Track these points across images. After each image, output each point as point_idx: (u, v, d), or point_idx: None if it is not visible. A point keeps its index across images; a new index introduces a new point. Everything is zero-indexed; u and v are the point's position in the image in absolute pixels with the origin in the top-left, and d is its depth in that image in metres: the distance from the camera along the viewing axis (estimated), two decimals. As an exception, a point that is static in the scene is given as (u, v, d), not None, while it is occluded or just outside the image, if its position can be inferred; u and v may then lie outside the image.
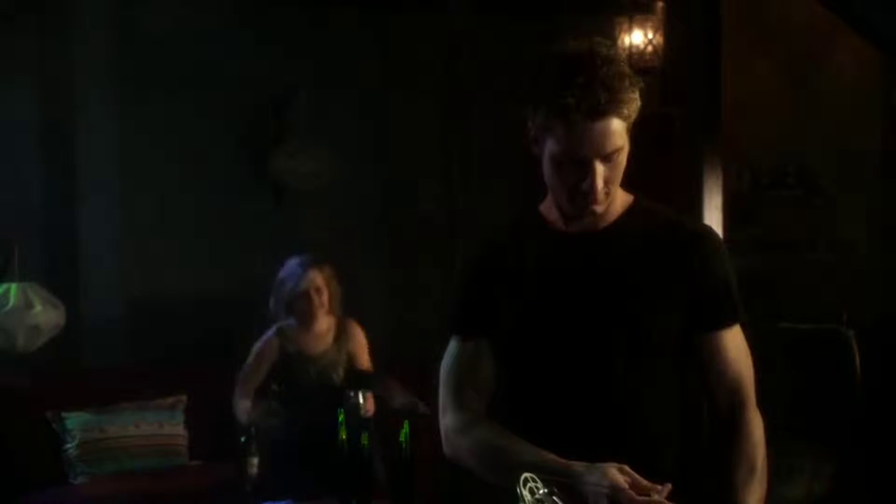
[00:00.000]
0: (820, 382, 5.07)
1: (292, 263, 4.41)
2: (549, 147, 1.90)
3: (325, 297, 4.38)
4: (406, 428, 3.57)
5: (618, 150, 1.90)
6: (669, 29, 5.22)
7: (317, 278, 4.36)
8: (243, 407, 4.25)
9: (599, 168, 1.89)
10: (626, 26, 5.28)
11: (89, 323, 5.19)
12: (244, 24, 5.52)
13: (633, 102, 1.88)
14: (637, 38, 5.25)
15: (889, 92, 5.76)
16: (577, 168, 1.89)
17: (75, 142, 5.27)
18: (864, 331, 5.18)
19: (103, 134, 5.30)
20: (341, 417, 3.87)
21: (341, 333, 4.42)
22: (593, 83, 1.83)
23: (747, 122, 5.72)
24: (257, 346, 4.38)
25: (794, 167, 6.05)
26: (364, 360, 4.43)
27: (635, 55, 5.16)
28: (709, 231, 2.08)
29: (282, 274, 4.40)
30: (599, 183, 1.89)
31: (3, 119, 5.10)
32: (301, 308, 4.36)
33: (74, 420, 4.76)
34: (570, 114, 1.84)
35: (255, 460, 4.06)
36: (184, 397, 5.02)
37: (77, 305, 5.07)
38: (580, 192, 1.91)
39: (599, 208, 1.94)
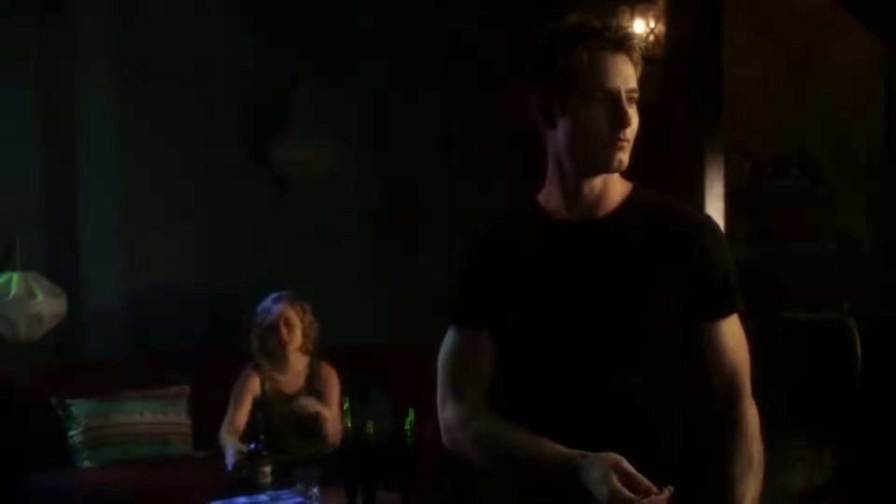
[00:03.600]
0: (821, 371, 5.08)
1: (269, 298, 4.45)
2: (574, 97, 1.93)
3: (298, 332, 4.41)
4: (411, 416, 3.58)
5: (637, 94, 1.95)
6: (671, 18, 5.20)
7: (288, 312, 4.39)
8: (231, 450, 4.19)
9: (627, 107, 1.94)
10: (627, 15, 5.26)
11: (91, 313, 5.20)
12: (245, 14, 5.52)
13: (640, 43, 1.99)
14: (639, 27, 5.23)
15: (891, 81, 5.75)
16: (607, 107, 1.93)
17: (76, 131, 5.27)
18: (865, 320, 5.18)
19: (104, 123, 5.30)
20: (346, 406, 3.88)
21: (315, 375, 4.46)
22: (608, 18, 1.96)
23: (749, 112, 5.71)
24: (238, 385, 4.39)
25: (796, 157, 6.04)
26: (332, 402, 4.40)
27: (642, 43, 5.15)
28: (708, 220, 2.08)
29: (258, 308, 4.45)
30: (631, 115, 1.93)
31: (4, 109, 5.10)
32: (273, 341, 4.39)
33: (79, 407, 4.78)
34: (597, 37, 1.92)
35: (269, 469, 4.07)
36: (187, 387, 5.04)
37: (78, 295, 5.08)
38: (614, 131, 1.93)
39: (625, 158, 1.96)
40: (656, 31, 5.18)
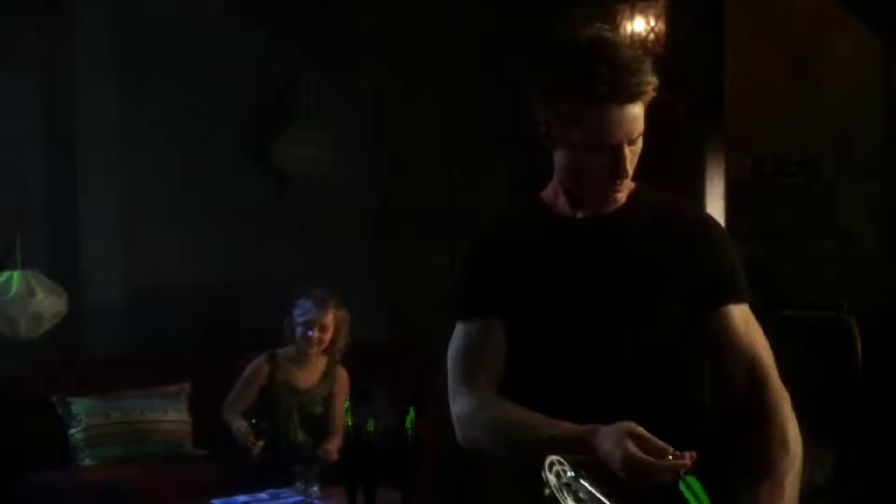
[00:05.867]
0: (821, 370, 5.07)
1: (313, 294, 4.47)
2: (576, 138, 1.89)
3: (328, 336, 4.45)
4: (412, 415, 3.58)
5: (642, 134, 1.92)
6: (671, 16, 5.20)
7: (326, 319, 4.43)
8: (236, 426, 4.35)
9: (628, 153, 1.91)
10: (627, 13, 5.26)
11: (91, 311, 5.20)
12: (245, 10, 5.52)
13: (654, 81, 1.90)
14: (639, 25, 5.23)
15: (891, 81, 5.75)
16: (607, 155, 1.89)
17: (76, 129, 5.26)
18: (865, 318, 5.18)
19: (104, 121, 5.29)
20: (347, 405, 3.90)
21: (329, 374, 4.52)
22: (619, 69, 1.85)
23: (749, 110, 5.71)
24: (248, 369, 4.48)
25: (796, 156, 6.04)
26: (339, 405, 4.43)
27: (637, 43, 5.15)
28: (711, 218, 2.10)
29: (300, 300, 4.47)
30: (630, 168, 1.91)
31: (4, 106, 5.10)
32: (302, 339, 4.44)
33: (80, 405, 4.78)
34: (604, 101, 1.84)
35: (261, 443, 4.17)
36: (187, 385, 5.04)
37: (78, 293, 5.08)
38: (611, 179, 1.92)
39: (621, 196, 1.97)
40: (656, 29, 5.18)
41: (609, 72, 1.83)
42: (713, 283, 1.97)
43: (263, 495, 3.89)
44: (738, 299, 1.98)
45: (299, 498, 3.83)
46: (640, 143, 1.93)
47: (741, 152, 5.88)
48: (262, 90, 5.60)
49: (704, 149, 4.70)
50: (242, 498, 3.87)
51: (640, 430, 1.75)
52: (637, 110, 1.88)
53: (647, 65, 1.88)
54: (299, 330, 4.43)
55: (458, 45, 5.64)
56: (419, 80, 5.78)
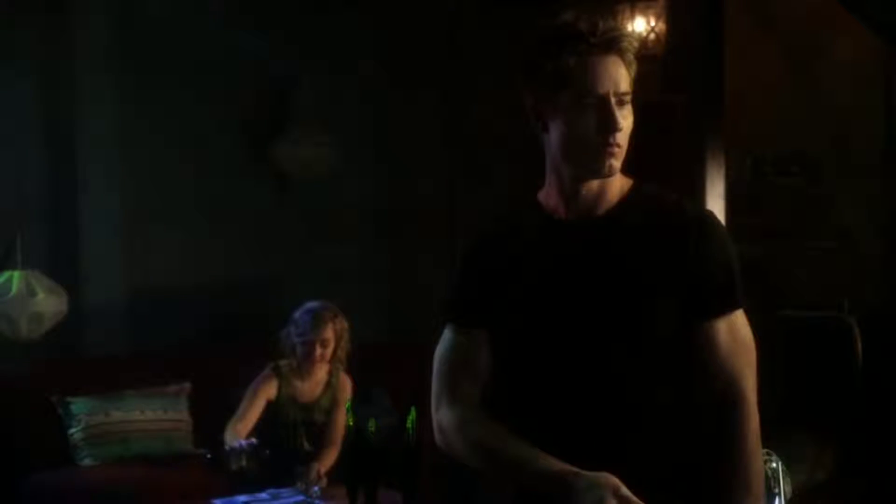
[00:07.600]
0: (821, 370, 5.08)
1: (309, 308, 4.35)
2: (563, 101, 1.91)
3: (330, 350, 4.36)
4: (413, 415, 3.57)
5: (628, 95, 1.92)
6: (671, 17, 5.21)
7: (327, 333, 4.32)
8: (234, 452, 4.07)
9: (617, 113, 1.90)
10: (627, 13, 5.27)
11: (91, 311, 5.20)
12: (245, 10, 5.52)
13: (633, 43, 1.93)
14: (639, 25, 5.23)
15: (891, 81, 5.75)
16: (596, 110, 1.90)
17: (76, 129, 5.27)
18: (865, 318, 5.19)
19: (104, 121, 5.30)
20: (348, 405, 3.89)
21: (332, 384, 4.41)
22: (595, 23, 1.91)
23: (749, 110, 5.72)
24: (254, 385, 4.34)
25: (797, 155, 6.04)
26: (341, 414, 4.31)
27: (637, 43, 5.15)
28: (710, 215, 2.03)
29: (297, 314, 4.35)
30: (619, 121, 1.90)
31: (4, 106, 5.10)
32: (304, 357, 4.34)
33: (80, 405, 4.79)
34: (584, 40, 1.88)
35: (243, 463, 4.04)
36: (187, 385, 5.05)
37: (79, 293, 5.08)
38: (603, 136, 1.90)
39: (616, 163, 1.93)
40: (657, 29, 5.19)
41: (587, 24, 1.90)
42: (707, 293, 1.93)
43: (264, 495, 3.88)
44: (729, 310, 1.94)
45: (300, 498, 3.83)
46: (628, 112, 1.93)
47: (741, 152, 5.88)
48: (262, 90, 5.60)
49: (704, 149, 4.70)
50: (242, 498, 3.87)
51: (624, 489, 1.76)
52: (620, 66, 1.91)
53: (625, 26, 1.93)
54: (300, 349, 4.31)
55: (458, 45, 5.64)
56: (419, 80, 5.78)
